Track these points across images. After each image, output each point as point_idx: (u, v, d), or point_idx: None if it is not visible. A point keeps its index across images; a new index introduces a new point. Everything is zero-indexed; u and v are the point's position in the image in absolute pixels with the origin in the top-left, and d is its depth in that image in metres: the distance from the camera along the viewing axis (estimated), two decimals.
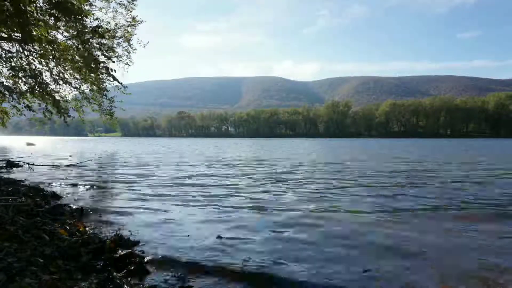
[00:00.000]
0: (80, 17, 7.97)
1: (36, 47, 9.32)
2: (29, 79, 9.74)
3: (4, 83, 10.25)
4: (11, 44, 9.20)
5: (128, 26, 10.98)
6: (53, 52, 9.55)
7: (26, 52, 9.35)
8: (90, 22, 9.75)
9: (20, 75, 9.47)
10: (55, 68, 10.35)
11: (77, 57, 9.86)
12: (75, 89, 11.09)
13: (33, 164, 11.83)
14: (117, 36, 10.98)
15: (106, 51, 10.40)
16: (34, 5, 7.01)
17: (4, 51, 9.39)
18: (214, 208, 5.57)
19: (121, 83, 10.50)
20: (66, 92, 11.13)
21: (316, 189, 7.45)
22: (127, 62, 11.40)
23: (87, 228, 4.04)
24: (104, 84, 11.06)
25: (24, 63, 9.51)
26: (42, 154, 20.29)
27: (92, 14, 9.72)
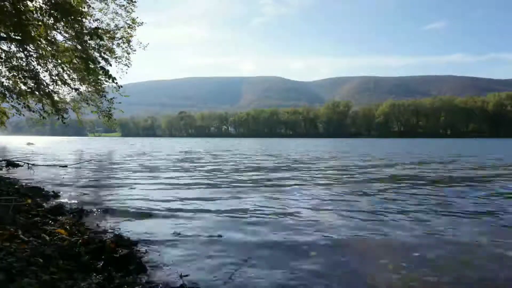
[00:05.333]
0: (79, 18, 7.97)
1: (35, 47, 9.32)
2: (29, 80, 9.73)
3: (4, 83, 10.25)
4: (11, 44, 9.20)
5: (128, 28, 10.98)
6: (52, 53, 9.54)
7: (25, 52, 9.35)
8: (90, 23, 9.73)
9: (20, 75, 9.47)
10: (54, 68, 10.34)
11: (75, 60, 9.81)
12: (74, 90, 11.08)
13: (33, 164, 11.83)
14: (117, 38, 10.97)
15: (104, 52, 10.35)
16: (34, 5, 7.01)
17: (3, 51, 9.39)
18: (214, 208, 5.57)
19: (117, 84, 10.21)
20: (64, 93, 11.13)
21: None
22: (126, 64, 11.40)
23: (87, 228, 4.04)
24: (103, 85, 11.03)
25: (24, 64, 9.51)
26: (42, 154, 20.27)
27: (91, 15, 9.70)
